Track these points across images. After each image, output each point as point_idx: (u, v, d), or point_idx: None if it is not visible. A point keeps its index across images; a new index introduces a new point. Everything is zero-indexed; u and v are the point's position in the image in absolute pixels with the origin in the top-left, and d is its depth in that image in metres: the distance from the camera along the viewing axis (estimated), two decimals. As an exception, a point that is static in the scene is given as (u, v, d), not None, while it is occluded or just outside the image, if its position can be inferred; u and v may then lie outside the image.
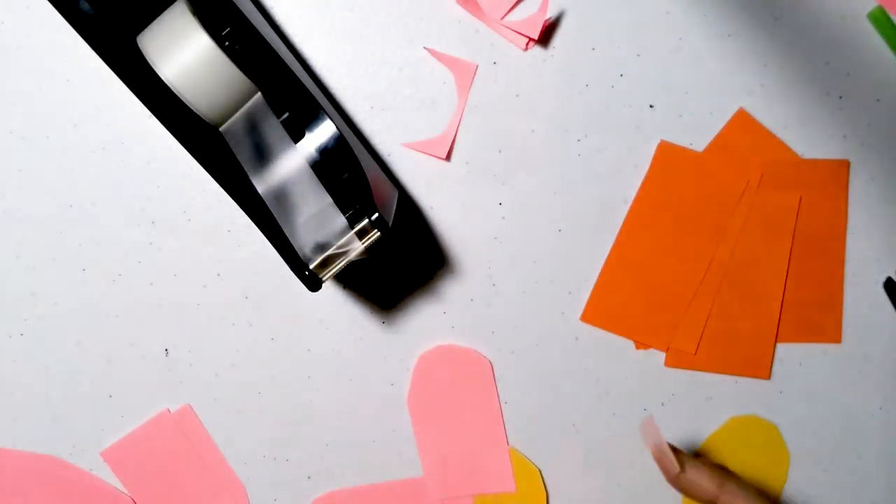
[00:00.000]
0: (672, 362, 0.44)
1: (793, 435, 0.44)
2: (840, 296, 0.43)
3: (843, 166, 0.42)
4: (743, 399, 0.44)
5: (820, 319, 0.43)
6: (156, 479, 0.44)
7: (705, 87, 0.41)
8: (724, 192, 0.42)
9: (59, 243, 0.43)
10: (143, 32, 0.35)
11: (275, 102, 0.36)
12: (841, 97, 0.42)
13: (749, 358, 0.43)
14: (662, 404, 0.44)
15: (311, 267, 0.35)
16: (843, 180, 0.42)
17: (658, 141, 0.42)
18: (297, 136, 0.36)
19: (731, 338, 0.43)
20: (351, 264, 0.43)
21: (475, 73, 0.41)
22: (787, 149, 0.42)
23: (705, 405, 0.44)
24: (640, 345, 0.44)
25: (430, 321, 0.44)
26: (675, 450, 0.39)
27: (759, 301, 0.43)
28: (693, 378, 0.44)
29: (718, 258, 0.43)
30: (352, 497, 0.45)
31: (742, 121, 0.41)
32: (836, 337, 0.43)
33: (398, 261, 0.43)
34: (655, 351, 0.44)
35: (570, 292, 0.43)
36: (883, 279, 0.43)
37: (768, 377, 0.44)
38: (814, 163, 0.42)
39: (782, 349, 0.44)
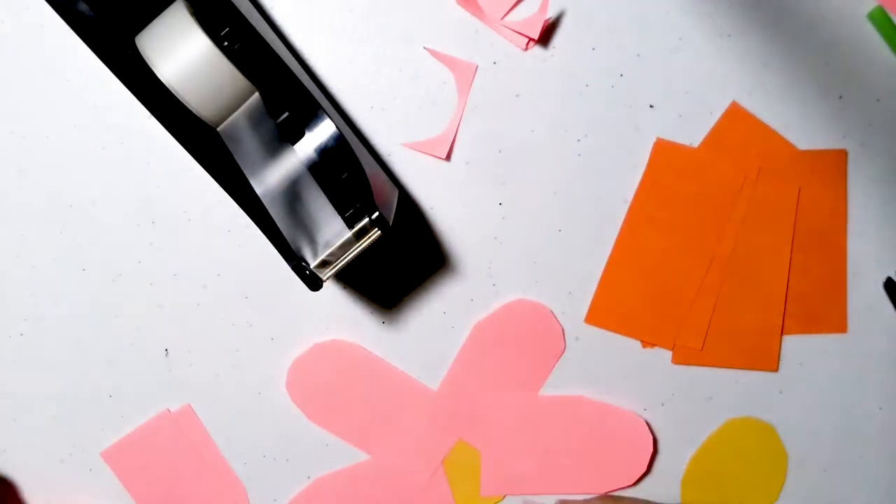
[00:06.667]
0: (678, 359, 0.44)
1: (793, 435, 0.44)
2: (843, 285, 0.43)
3: (842, 156, 0.42)
4: (743, 399, 0.44)
5: (824, 309, 0.43)
6: (156, 479, 0.44)
7: (705, 86, 0.41)
8: (722, 187, 0.42)
9: (59, 243, 0.43)
10: (141, 33, 0.35)
11: (274, 102, 0.36)
12: (841, 97, 0.42)
13: (755, 351, 0.43)
14: (662, 404, 0.44)
15: (312, 267, 0.35)
16: (842, 170, 0.42)
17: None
18: (296, 136, 0.36)
19: (737, 332, 0.43)
20: (351, 264, 0.43)
21: (475, 73, 0.41)
22: (784, 140, 0.42)
23: (705, 405, 0.44)
24: (646, 343, 0.44)
25: (430, 321, 0.44)
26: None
27: (764, 293, 0.43)
28: (694, 378, 0.44)
29: (720, 253, 0.43)
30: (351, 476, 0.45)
31: (735, 114, 0.41)
32: (841, 326, 0.43)
33: (398, 261, 0.43)
34: (660, 349, 0.44)
35: (570, 292, 0.43)
36: (883, 279, 0.43)
37: (776, 369, 0.44)
38: (812, 153, 0.42)
39: (783, 349, 0.44)
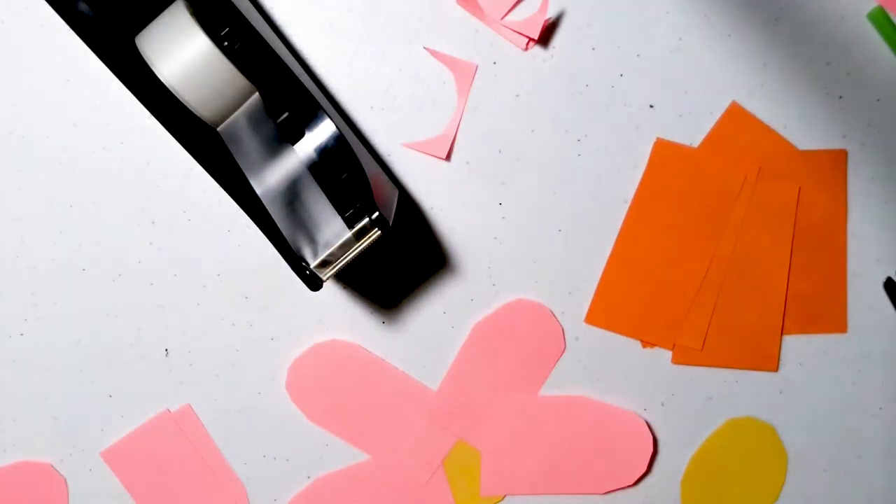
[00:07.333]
0: (678, 359, 0.44)
1: (793, 435, 0.44)
2: (844, 285, 0.43)
3: (841, 156, 0.42)
4: (743, 399, 0.44)
5: (825, 309, 0.43)
6: (156, 479, 0.44)
7: (705, 86, 0.41)
8: (722, 187, 0.42)
9: (59, 243, 0.43)
10: (141, 33, 0.35)
11: (274, 102, 0.36)
12: (841, 97, 0.42)
13: (755, 351, 0.43)
14: (662, 404, 0.44)
15: (312, 266, 0.35)
16: (842, 170, 0.42)
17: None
18: (296, 136, 0.36)
19: (737, 332, 0.43)
20: (351, 264, 0.43)
21: (475, 73, 0.41)
22: (784, 140, 0.42)
23: (705, 405, 0.44)
24: (646, 343, 0.44)
25: (430, 321, 0.44)
26: None
27: (764, 294, 0.43)
28: (694, 378, 0.44)
29: (720, 253, 0.43)
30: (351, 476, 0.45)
31: (735, 114, 0.41)
32: (841, 326, 0.43)
33: (398, 261, 0.43)
34: (660, 349, 0.44)
35: (570, 292, 0.43)
36: (883, 279, 0.43)
37: (776, 369, 0.44)
38: (811, 154, 0.42)
39: (783, 349, 0.44)
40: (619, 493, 0.45)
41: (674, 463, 0.45)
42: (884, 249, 0.43)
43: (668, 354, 0.44)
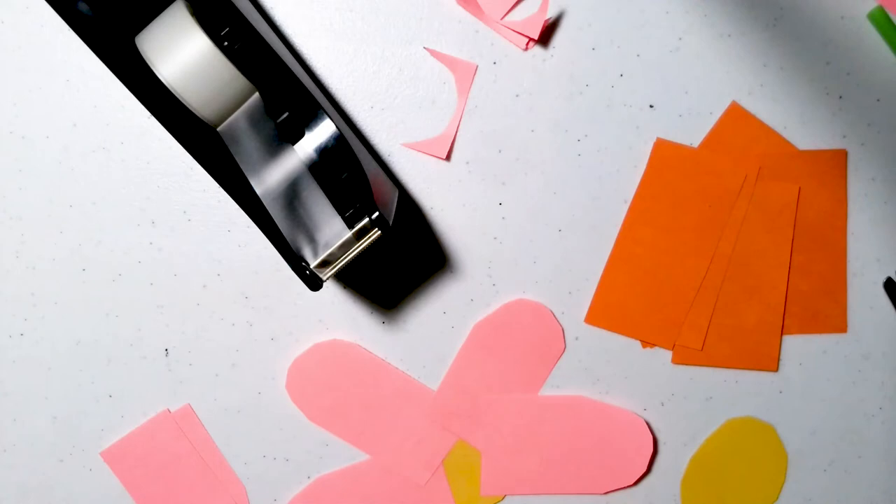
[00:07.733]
0: (678, 359, 0.44)
1: (793, 435, 0.44)
2: (843, 285, 0.43)
3: (841, 156, 0.42)
4: (743, 399, 0.44)
5: (825, 309, 0.43)
6: (156, 479, 0.44)
7: (705, 86, 0.41)
8: (722, 187, 0.42)
9: (59, 243, 0.43)
10: (141, 33, 0.35)
11: (274, 102, 0.36)
12: (841, 97, 0.42)
13: (756, 351, 0.43)
14: (662, 404, 0.44)
15: (312, 267, 0.35)
16: (842, 170, 0.42)
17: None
18: (296, 136, 0.36)
19: (737, 332, 0.43)
20: (351, 264, 0.43)
21: (475, 73, 0.41)
22: (784, 140, 0.42)
23: (705, 405, 0.44)
24: (646, 344, 0.44)
25: (430, 321, 0.44)
26: None
27: (764, 294, 0.43)
28: (694, 378, 0.44)
29: (720, 253, 0.43)
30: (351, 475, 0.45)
31: (735, 114, 0.41)
32: (841, 326, 0.43)
33: (398, 261, 0.43)
34: (660, 349, 0.44)
35: (570, 293, 0.43)
36: (883, 279, 0.43)
37: (776, 369, 0.44)
38: (811, 153, 0.42)
39: (783, 349, 0.44)
40: (619, 493, 0.45)
41: (674, 463, 0.45)
42: (884, 249, 0.43)
43: (668, 354, 0.44)
